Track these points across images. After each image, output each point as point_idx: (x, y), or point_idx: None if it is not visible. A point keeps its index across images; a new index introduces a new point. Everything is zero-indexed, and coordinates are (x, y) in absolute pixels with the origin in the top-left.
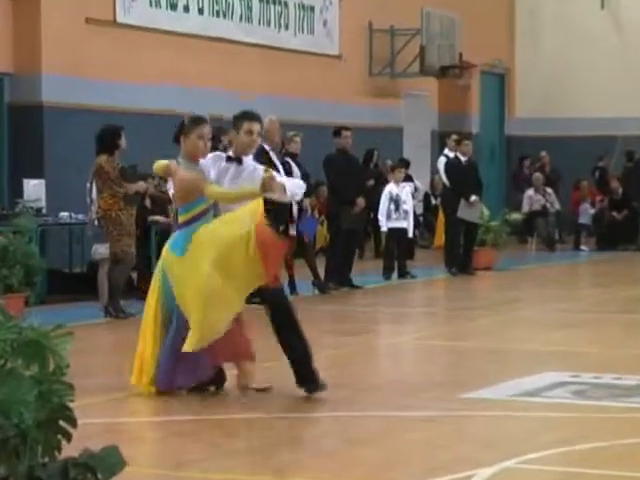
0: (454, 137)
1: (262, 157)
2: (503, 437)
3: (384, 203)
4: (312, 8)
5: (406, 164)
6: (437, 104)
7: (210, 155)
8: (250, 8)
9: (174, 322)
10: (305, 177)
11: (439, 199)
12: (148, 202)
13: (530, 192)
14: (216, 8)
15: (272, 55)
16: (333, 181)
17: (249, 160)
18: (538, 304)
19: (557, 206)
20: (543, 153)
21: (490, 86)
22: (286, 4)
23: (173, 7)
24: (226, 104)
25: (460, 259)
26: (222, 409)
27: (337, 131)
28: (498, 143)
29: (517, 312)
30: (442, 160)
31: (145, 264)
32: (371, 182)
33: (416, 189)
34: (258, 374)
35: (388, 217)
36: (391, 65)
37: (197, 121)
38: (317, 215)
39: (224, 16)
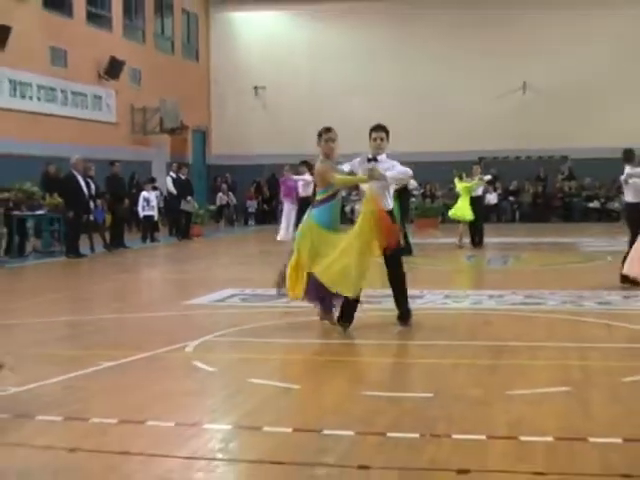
0: (175, 165)
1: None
2: (205, 324)
3: (141, 202)
4: (100, 97)
5: (153, 179)
6: (169, 148)
7: (358, 158)
8: (66, 97)
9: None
10: (97, 188)
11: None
12: None
13: (220, 194)
14: (47, 97)
15: (79, 123)
16: (111, 191)
17: (384, 158)
18: (227, 253)
19: (234, 201)
20: (227, 174)
21: (198, 137)
22: (86, 95)
23: (23, 97)
24: (55, 150)
25: (183, 231)
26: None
27: (112, 163)
28: (203, 168)
29: (215, 259)
30: (169, 178)
31: None
32: (133, 190)
33: (161, 194)
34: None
35: (143, 209)
36: (144, 128)
37: (325, 130)
38: (105, 208)
39: (52, 101)
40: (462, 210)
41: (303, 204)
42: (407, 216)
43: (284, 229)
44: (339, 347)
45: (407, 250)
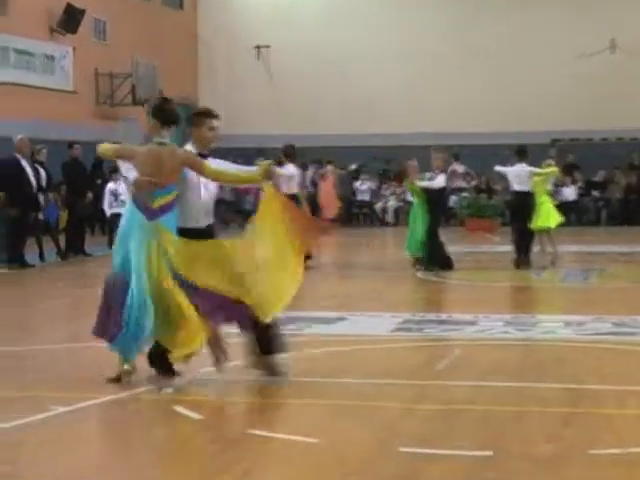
0: None
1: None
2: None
3: (107, 195)
4: (53, 57)
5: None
6: (144, 125)
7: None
8: (7, 57)
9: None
10: (49, 178)
11: None
12: None
13: None
14: None
15: (23, 90)
16: (68, 181)
17: (211, 158)
18: None
19: (230, 196)
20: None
21: (182, 112)
22: (33, 54)
23: None
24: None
25: None
26: None
27: (70, 145)
28: None
29: None
30: None
31: None
32: (98, 181)
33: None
34: None
35: (110, 206)
36: (111, 98)
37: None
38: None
39: None
40: (546, 215)
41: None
42: (438, 221)
43: None
44: (366, 388)
45: (440, 263)
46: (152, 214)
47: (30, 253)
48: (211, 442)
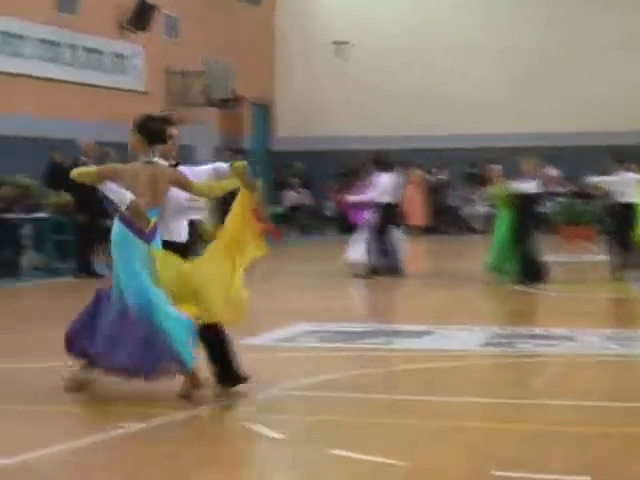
0: (228, 152)
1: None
2: (268, 372)
3: None
4: (123, 56)
5: None
6: (219, 128)
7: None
8: (76, 56)
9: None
10: None
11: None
12: None
13: (289, 191)
14: (49, 56)
15: (93, 91)
16: None
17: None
18: (296, 274)
19: (309, 201)
20: (298, 163)
21: (258, 114)
22: (102, 52)
23: (16, 55)
24: (59, 128)
25: None
26: None
27: None
28: (264, 155)
29: (281, 280)
30: None
31: None
32: None
33: None
34: None
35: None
36: (182, 98)
37: (168, 122)
38: None
39: (55, 62)
40: None
41: (386, 211)
42: (528, 230)
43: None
44: (454, 407)
45: (533, 274)
46: (148, 237)
47: (99, 262)
48: (291, 463)
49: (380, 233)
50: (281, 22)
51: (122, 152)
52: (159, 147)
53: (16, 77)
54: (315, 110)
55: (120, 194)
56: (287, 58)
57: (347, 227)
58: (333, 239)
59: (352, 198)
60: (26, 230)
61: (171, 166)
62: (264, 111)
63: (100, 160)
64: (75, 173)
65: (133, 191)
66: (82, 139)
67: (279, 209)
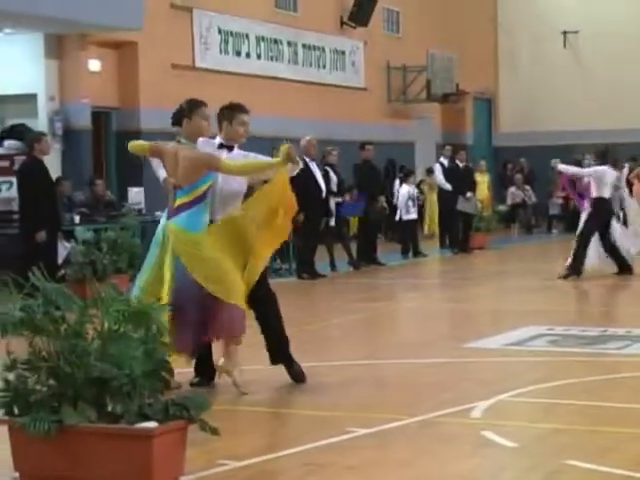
0: (447, 147)
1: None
2: (497, 377)
3: (403, 200)
4: (343, 52)
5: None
6: (440, 123)
7: (200, 140)
8: (296, 53)
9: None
10: (340, 182)
11: (435, 196)
12: None
13: (512, 189)
14: (270, 54)
15: (313, 89)
16: (360, 184)
17: (237, 149)
18: (521, 274)
19: (533, 199)
20: (522, 159)
21: (480, 108)
22: (323, 49)
23: (238, 54)
24: (280, 127)
25: (460, 241)
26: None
27: (362, 146)
28: (487, 152)
29: (505, 281)
30: (437, 166)
31: None
32: (396, 183)
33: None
34: None
35: (407, 211)
36: (404, 94)
37: (198, 103)
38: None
39: (276, 60)
40: None
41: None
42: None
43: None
44: None
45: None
46: (169, 214)
47: (321, 262)
48: (528, 473)
49: (599, 230)
50: (505, 12)
51: (344, 151)
52: (177, 129)
53: (238, 77)
54: (541, 103)
55: (157, 172)
56: (512, 50)
57: (572, 224)
58: (558, 238)
59: (562, 167)
60: None
61: (227, 147)
62: (487, 106)
63: (324, 158)
64: (131, 145)
65: (167, 170)
66: (304, 137)
67: (502, 207)
